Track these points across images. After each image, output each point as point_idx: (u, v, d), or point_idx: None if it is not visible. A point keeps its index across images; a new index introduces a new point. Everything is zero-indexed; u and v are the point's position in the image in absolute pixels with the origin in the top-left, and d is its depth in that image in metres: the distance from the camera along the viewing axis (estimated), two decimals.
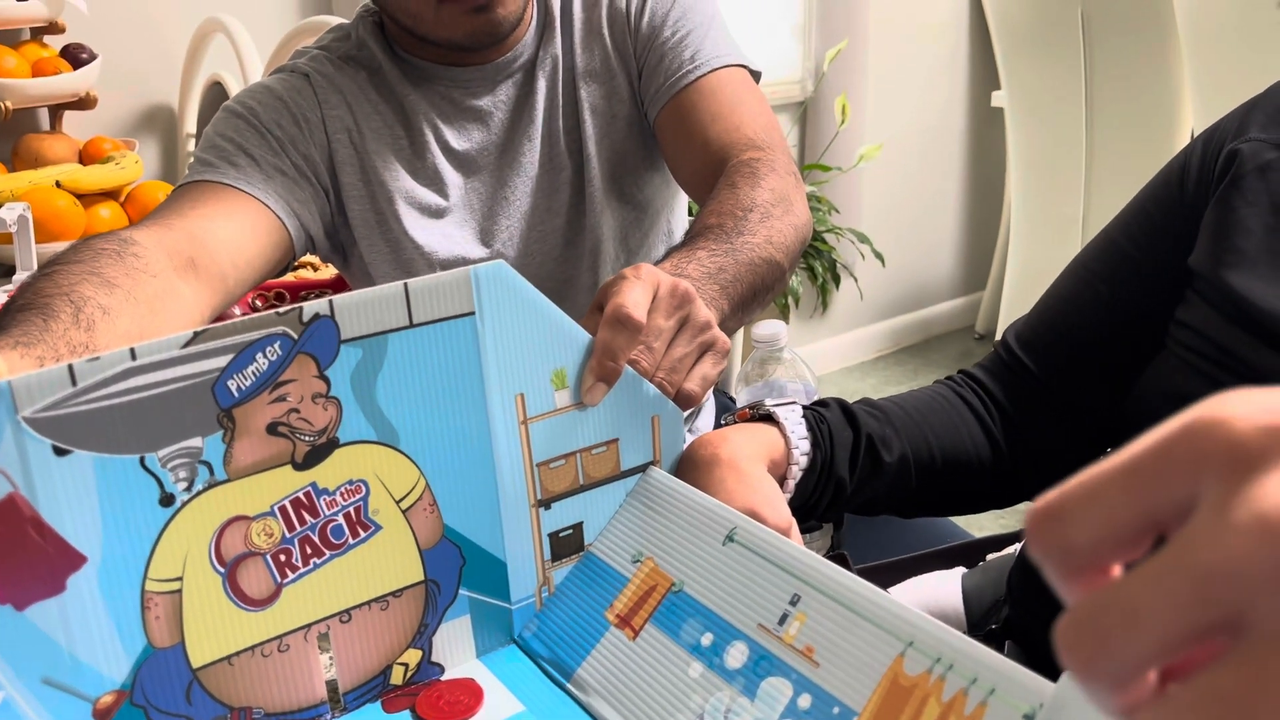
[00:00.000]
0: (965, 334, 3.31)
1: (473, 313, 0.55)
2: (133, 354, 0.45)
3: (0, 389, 0.42)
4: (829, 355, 2.99)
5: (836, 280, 2.54)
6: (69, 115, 1.76)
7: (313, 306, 0.50)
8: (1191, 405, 0.65)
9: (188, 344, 0.46)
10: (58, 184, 1.47)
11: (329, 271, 1.32)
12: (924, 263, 3.18)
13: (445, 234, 1.00)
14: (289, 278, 1.27)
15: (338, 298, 0.51)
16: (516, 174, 1.02)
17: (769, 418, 0.69)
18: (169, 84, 1.93)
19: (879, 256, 2.58)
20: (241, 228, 0.85)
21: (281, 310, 0.49)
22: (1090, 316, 0.72)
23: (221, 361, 0.48)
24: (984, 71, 3.03)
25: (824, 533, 0.82)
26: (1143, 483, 0.22)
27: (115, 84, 1.81)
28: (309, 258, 1.34)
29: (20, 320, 0.60)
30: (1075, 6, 2.20)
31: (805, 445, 0.67)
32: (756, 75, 1.02)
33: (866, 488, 0.71)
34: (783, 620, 0.50)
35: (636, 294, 0.61)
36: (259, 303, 1.23)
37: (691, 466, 0.64)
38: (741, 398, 0.92)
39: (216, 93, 1.94)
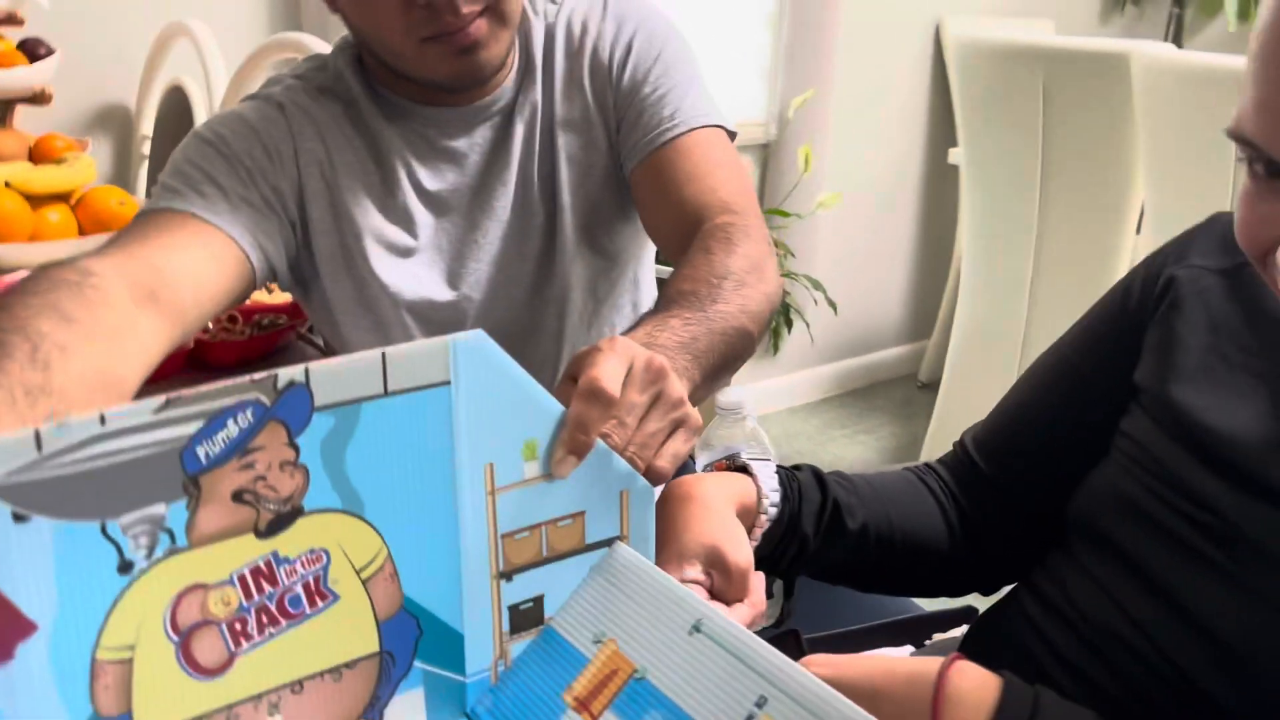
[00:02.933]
0: (909, 381, 3.36)
1: (448, 382, 0.55)
2: (102, 420, 0.44)
3: None
4: (777, 395, 3.01)
5: (789, 323, 2.56)
6: (22, 110, 1.71)
7: (287, 374, 0.49)
8: (1133, 508, 0.68)
9: (160, 409, 0.45)
10: (6, 184, 1.43)
11: (284, 295, 1.30)
12: (873, 309, 3.23)
13: (413, 274, 0.99)
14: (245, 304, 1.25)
15: (314, 365, 0.50)
16: (488, 217, 1.01)
17: (744, 469, 0.71)
18: (127, 84, 1.89)
19: (831, 304, 2.61)
20: (205, 260, 0.83)
21: (256, 377, 0.48)
22: (1040, 427, 0.76)
23: (191, 429, 0.46)
24: (943, 128, 3.10)
25: (775, 601, 0.82)
26: None
27: (72, 81, 1.76)
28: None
29: None
30: (1038, 75, 2.26)
31: (775, 497, 0.70)
32: (732, 135, 1.03)
33: (828, 550, 0.73)
34: None
35: (611, 367, 0.61)
36: (210, 324, 1.20)
37: (664, 502, 0.66)
38: (701, 459, 0.92)
39: (176, 97, 1.90)
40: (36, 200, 1.47)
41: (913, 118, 3.06)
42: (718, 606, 0.60)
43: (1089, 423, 0.72)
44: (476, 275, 1.01)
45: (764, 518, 0.69)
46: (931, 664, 0.54)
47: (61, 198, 1.51)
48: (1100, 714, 0.52)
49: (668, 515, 0.65)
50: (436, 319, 1.01)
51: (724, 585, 0.63)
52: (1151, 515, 0.61)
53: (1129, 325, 0.72)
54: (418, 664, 0.57)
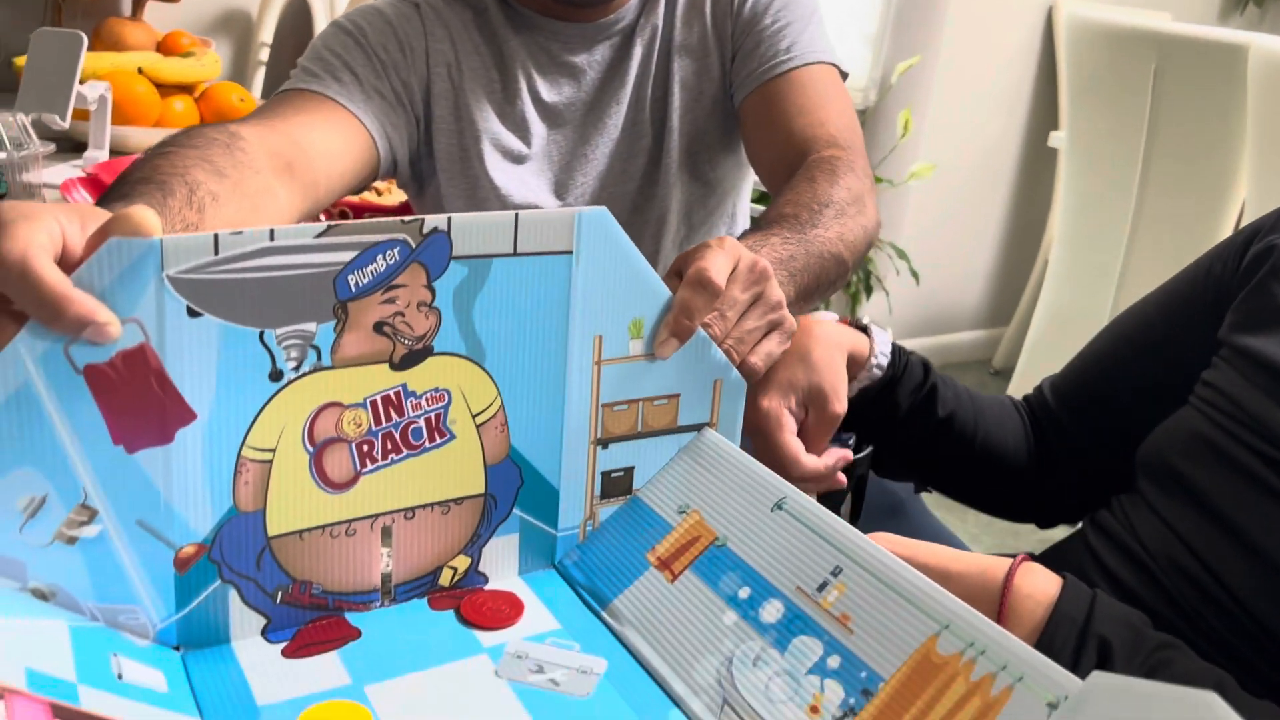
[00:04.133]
0: (982, 366, 3.33)
1: (570, 252, 0.58)
2: (272, 234, 0.48)
3: (153, 245, 0.45)
4: None
5: (869, 291, 2.57)
6: (150, 5, 1.78)
7: (432, 220, 0.53)
8: (1207, 447, 0.70)
9: (321, 234, 0.49)
10: (140, 70, 1.50)
11: (394, 198, 1.35)
12: (954, 288, 3.20)
13: (523, 180, 1.03)
14: (354, 198, 1.30)
15: (456, 216, 0.54)
16: (599, 133, 1.04)
17: (864, 330, 0.76)
18: None
19: (914, 274, 2.60)
20: (338, 141, 0.88)
21: (406, 219, 0.52)
22: (1115, 378, 0.78)
23: (346, 256, 0.51)
24: (1045, 111, 3.05)
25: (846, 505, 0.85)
26: None
27: None
28: (376, 182, 1.36)
29: (141, 191, 0.63)
30: (1150, 60, 2.21)
31: (884, 360, 0.75)
32: (844, 76, 1.05)
33: (911, 426, 0.78)
34: (822, 587, 0.53)
35: (719, 262, 0.64)
36: (323, 216, 1.26)
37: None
38: None
39: (298, 7, 1.96)
40: (164, 89, 1.54)
41: (1016, 96, 3.02)
42: (797, 448, 0.64)
43: (1163, 377, 0.74)
44: (582, 188, 1.05)
45: (865, 373, 0.73)
46: (1003, 560, 0.57)
47: (186, 89, 1.58)
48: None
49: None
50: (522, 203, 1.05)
51: (815, 424, 0.67)
52: (1225, 453, 0.63)
53: (1215, 289, 0.74)
54: (516, 511, 0.61)
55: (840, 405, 0.69)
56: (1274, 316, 0.67)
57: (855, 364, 0.74)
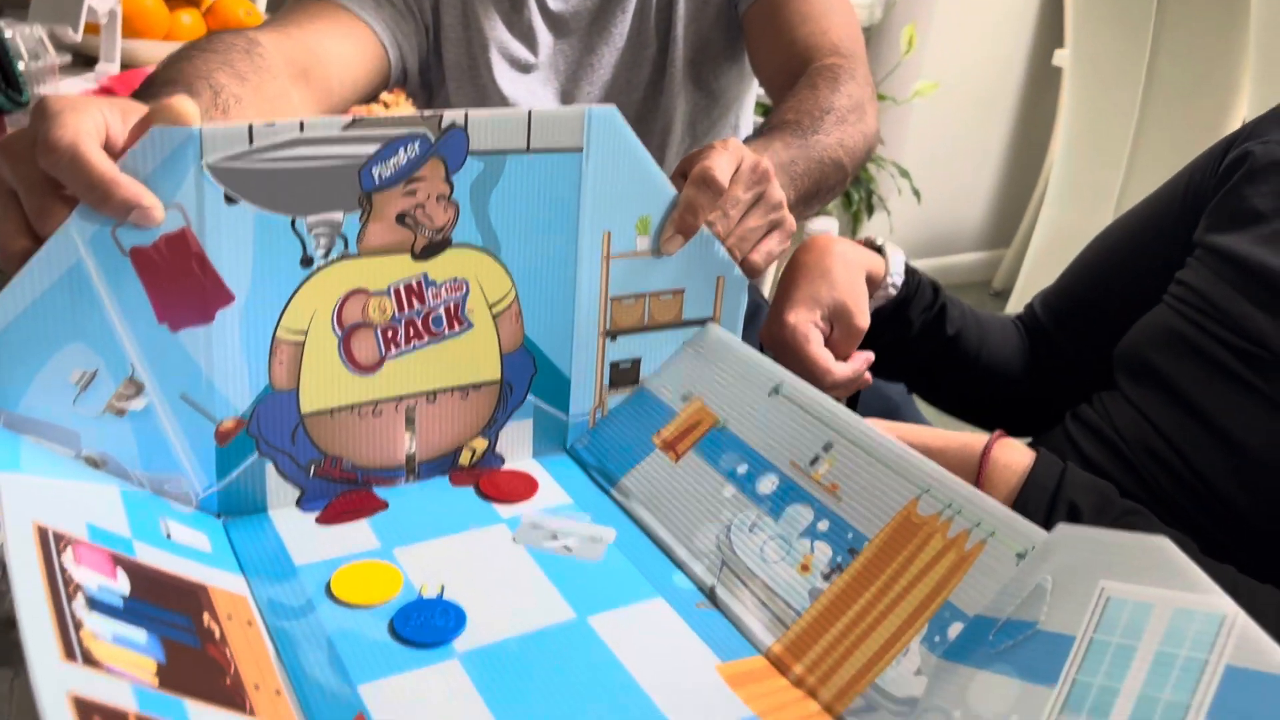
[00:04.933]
0: (983, 288, 3.36)
1: (580, 149, 0.61)
2: (301, 126, 0.51)
3: (192, 134, 0.48)
4: None
5: (870, 210, 2.58)
6: None
7: (451, 115, 0.56)
8: (1179, 340, 0.74)
9: (347, 126, 0.52)
10: None
11: (401, 110, 1.37)
12: (955, 209, 3.21)
13: (530, 89, 1.05)
14: (362, 109, 1.32)
15: (472, 111, 0.56)
16: (604, 43, 1.06)
17: (879, 250, 0.79)
18: None
19: (916, 193, 2.62)
20: (351, 48, 0.90)
21: (426, 113, 0.55)
22: (1102, 291, 0.82)
23: (369, 149, 0.54)
24: (1050, 29, 3.02)
25: None
26: None
27: None
28: (384, 94, 1.38)
29: (167, 93, 0.65)
30: None
31: (898, 280, 0.78)
32: None
33: (921, 344, 0.82)
34: (814, 461, 0.57)
35: (723, 162, 0.67)
36: None
37: (804, 249, 0.75)
38: None
39: None
40: (172, 3, 1.55)
41: (1021, 15, 2.99)
42: (826, 357, 0.68)
43: (1145, 284, 0.77)
44: (588, 97, 1.07)
45: (882, 292, 0.76)
46: (982, 435, 0.61)
47: (193, 2, 1.59)
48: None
49: (804, 262, 0.74)
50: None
51: (841, 339, 0.70)
52: (1196, 346, 0.67)
53: (1194, 196, 0.77)
54: (530, 398, 0.65)
55: (864, 320, 0.72)
56: (1244, 217, 0.70)
57: (871, 283, 0.77)
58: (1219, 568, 0.55)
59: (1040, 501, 0.57)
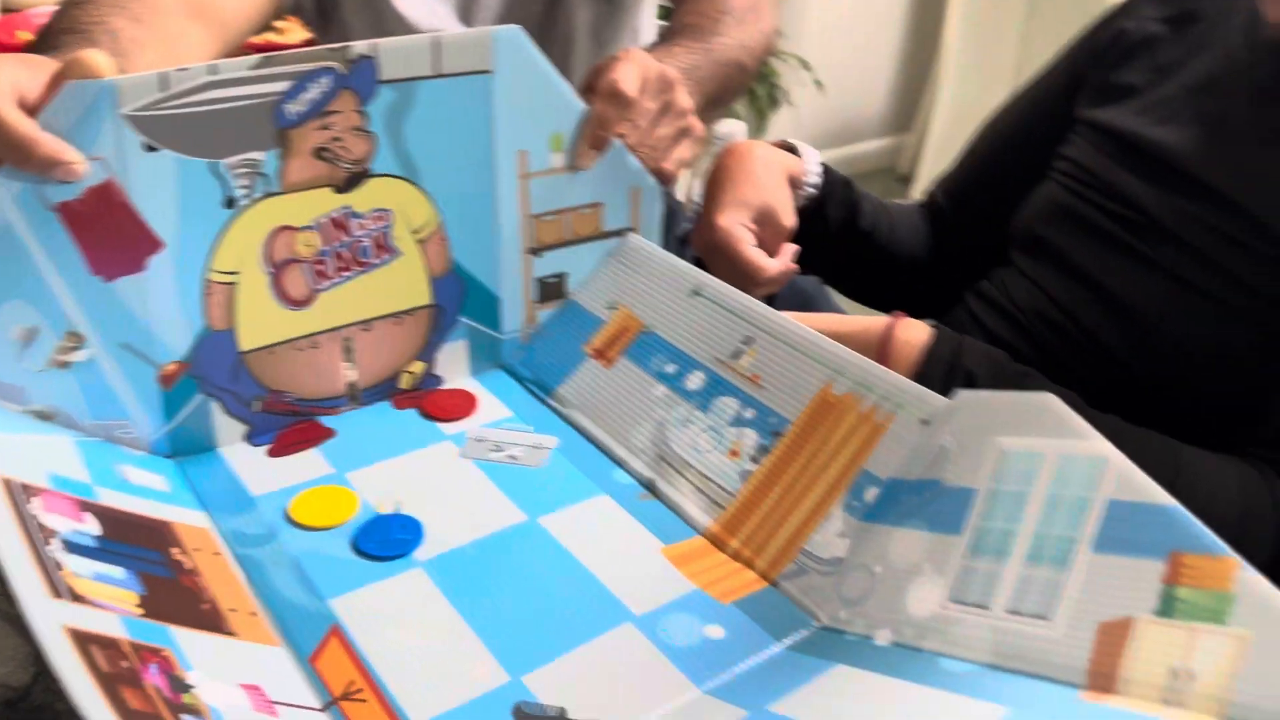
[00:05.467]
0: (889, 174, 3.42)
1: (490, 71, 0.63)
2: (213, 69, 0.52)
3: (107, 86, 0.49)
4: None
5: (774, 103, 2.60)
6: None
7: (358, 46, 0.57)
8: (1067, 213, 0.79)
9: (256, 66, 0.53)
10: None
11: (295, 36, 1.34)
12: (858, 98, 3.25)
13: (428, 8, 1.04)
14: (258, 39, 1.29)
15: (380, 41, 0.58)
16: None
17: (793, 150, 0.81)
18: None
19: (818, 84, 2.64)
20: None
21: (333, 46, 0.56)
22: (995, 172, 0.87)
23: (282, 86, 0.55)
24: None
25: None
26: None
27: None
28: (277, 21, 1.34)
29: (67, 43, 0.65)
30: None
31: (816, 180, 0.81)
32: None
33: (840, 240, 0.84)
34: (736, 355, 0.61)
35: (629, 73, 0.68)
36: None
37: (725, 155, 0.76)
38: (698, 187, 1.01)
39: None
40: None
41: None
42: (760, 256, 0.70)
43: (1034, 162, 0.82)
44: (487, 11, 1.07)
45: (802, 193, 0.79)
46: (885, 317, 0.66)
47: None
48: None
49: (728, 166, 0.76)
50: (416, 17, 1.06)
51: (770, 240, 0.73)
52: (1083, 217, 0.72)
53: (1074, 73, 0.81)
54: (462, 319, 0.68)
55: (790, 220, 0.75)
56: (1119, 92, 0.75)
57: (791, 184, 0.79)
58: (1103, 418, 0.60)
59: (939, 372, 0.62)
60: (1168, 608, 0.38)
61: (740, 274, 0.71)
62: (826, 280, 0.92)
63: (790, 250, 0.74)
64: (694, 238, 0.76)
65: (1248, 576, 0.37)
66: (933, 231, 0.90)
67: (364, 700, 0.45)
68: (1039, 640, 0.41)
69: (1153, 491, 0.41)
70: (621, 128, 0.69)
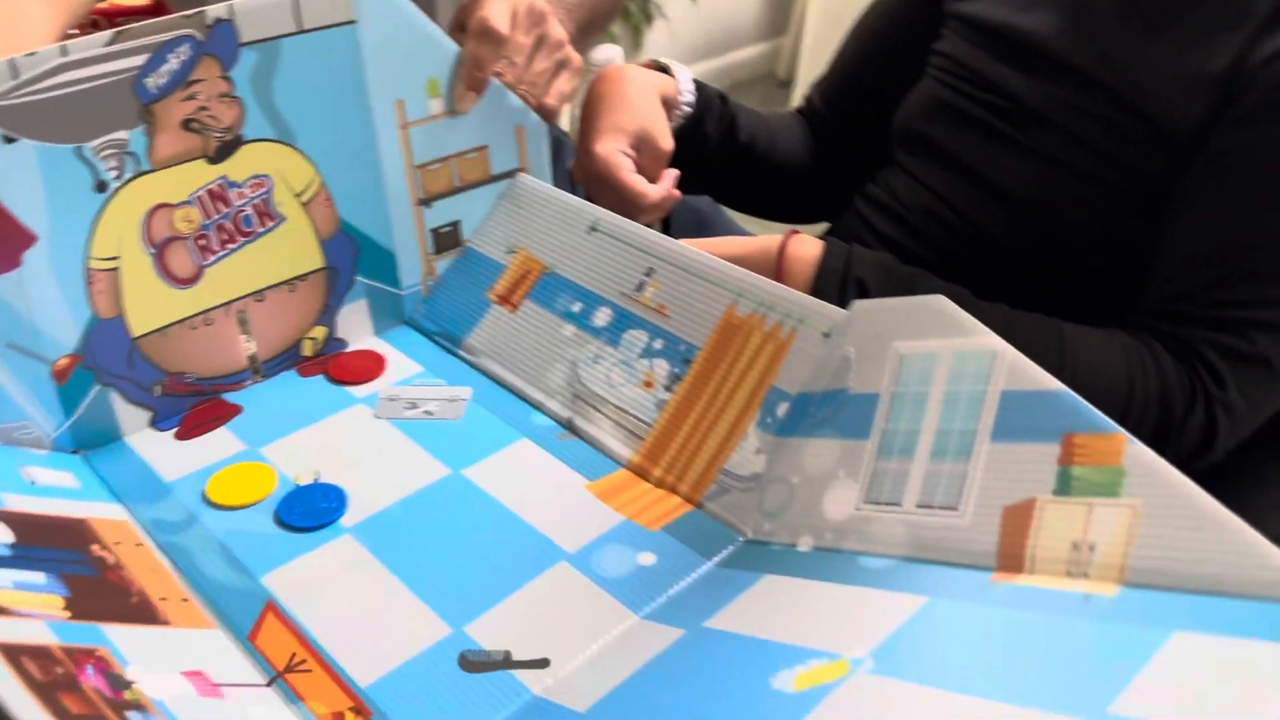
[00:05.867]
0: (768, 80, 3.43)
1: (354, 21, 0.61)
2: (64, 50, 0.49)
3: None
4: None
5: (649, 18, 2.57)
6: None
7: (214, 10, 0.55)
8: (944, 108, 0.81)
9: (109, 42, 0.51)
10: None
11: None
12: (730, 5, 3.23)
13: None
14: (103, 4, 1.22)
15: (236, 3, 0.55)
16: None
17: (665, 70, 0.80)
18: None
19: None
20: None
21: (188, 13, 0.54)
22: (869, 72, 0.87)
23: (139, 60, 0.52)
24: None
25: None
26: None
27: None
28: None
29: None
30: None
31: (691, 97, 0.80)
32: None
33: (720, 156, 0.84)
34: (640, 288, 0.62)
35: (498, 9, 0.67)
36: (77, 29, 1.18)
37: (598, 81, 0.75)
38: (577, 116, 1.00)
39: None
40: None
41: None
42: (641, 183, 0.70)
43: (906, 56, 0.83)
44: None
45: (678, 112, 0.79)
46: (779, 236, 0.67)
47: None
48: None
49: (601, 93, 0.74)
50: None
51: (649, 164, 0.73)
52: (960, 110, 0.74)
53: None
54: (359, 278, 0.67)
55: (668, 142, 0.74)
56: None
57: (667, 105, 0.79)
58: (991, 309, 0.63)
59: (833, 284, 0.64)
60: (1065, 487, 0.41)
61: (623, 201, 0.71)
62: (717, 198, 0.92)
63: (671, 176, 0.74)
64: (574, 169, 0.76)
65: (1135, 450, 0.40)
66: (814, 137, 0.91)
67: (309, 670, 0.45)
68: (950, 530, 0.44)
69: (1042, 379, 0.44)
70: (498, 66, 0.68)
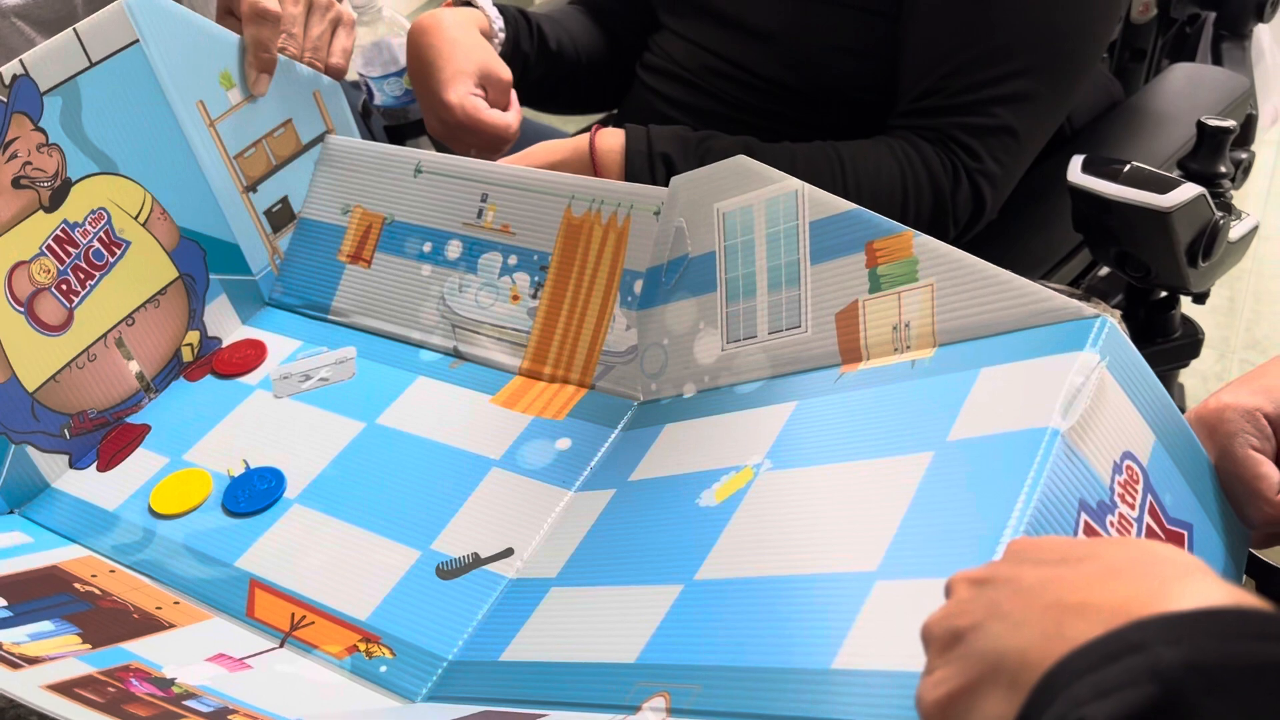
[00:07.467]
0: None
1: (138, 40, 0.63)
2: None
3: None
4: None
5: None
6: None
7: (8, 70, 0.56)
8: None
9: None
10: None
11: None
12: None
13: None
14: None
15: (26, 55, 0.57)
16: None
17: (468, 2, 0.82)
18: None
19: None
20: None
21: None
22: None
23: None
24: None
25: None
26: None
27: None
28: None
29: None
30: None
31: (501, 22, 0.82)
32: None
33: (539, 68, 0.87)
34: (479, 214, 0.67)
35: None
36: None
37: (419, 34, 0.76)
38: (357, 63, 1.02)
39: None
40: None
41: None
42: (501, 116, 0.74)
43: None
44: None
45: (497, 41, 0.81)
46: (584, 136, 0.73)
47: None
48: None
49: (427, 44, 0.75)
50: (48, 18, 0.99)
51: (498, 97, 0.75)
52: None
53: None
54: (213, 276, 0.70)
55: (507, 72, 0.76)
56: None
57: (486, 37, 0.80)
58: (778, 150, 0.71)
59: (643, 166, 0.71)
60: (876, 284, 0.51)
61: (489, 140, 0.74)
62: (539, 109, 0.95)
63: (515, 108, 0.77)
64: (429, 126, 0.77)
65: (921, 240, 0.50)
66: (595, 23, 0.95)
67: (311, 623, 0.52)
68: (799, 345, 0.53)
69: (838, 204, 0.53)
70: (279, 42, 0.71)
